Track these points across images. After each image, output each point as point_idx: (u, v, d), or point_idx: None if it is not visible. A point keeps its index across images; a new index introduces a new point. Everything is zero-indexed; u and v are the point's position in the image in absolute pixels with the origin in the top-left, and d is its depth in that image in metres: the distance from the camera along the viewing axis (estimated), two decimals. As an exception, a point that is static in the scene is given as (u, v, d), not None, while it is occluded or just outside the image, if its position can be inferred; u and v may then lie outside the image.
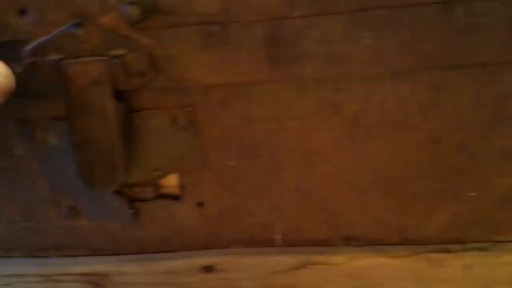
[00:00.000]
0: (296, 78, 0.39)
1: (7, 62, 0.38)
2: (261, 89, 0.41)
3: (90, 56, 0.37)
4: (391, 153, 0.45)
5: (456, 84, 0.40)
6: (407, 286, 0.54)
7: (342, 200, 0.48)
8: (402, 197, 0.48)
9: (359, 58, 0.38)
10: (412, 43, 0.37)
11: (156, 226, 0.51)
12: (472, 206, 0.48)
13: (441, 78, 0.40)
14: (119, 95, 0.39)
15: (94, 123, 0.39)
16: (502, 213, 0.48)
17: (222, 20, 0.36)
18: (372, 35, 0.37)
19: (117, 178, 0.41)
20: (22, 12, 0.37)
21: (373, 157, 0.45)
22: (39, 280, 0.56)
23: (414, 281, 0.53)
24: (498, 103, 0.41)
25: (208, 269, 0.55)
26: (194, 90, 0.41)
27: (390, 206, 0.48)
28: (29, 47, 0.37)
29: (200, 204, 0.49)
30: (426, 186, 0.47)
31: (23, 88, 0.40)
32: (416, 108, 0.41)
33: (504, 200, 0.47)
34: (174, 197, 0.50)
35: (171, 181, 0.49)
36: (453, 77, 0.39)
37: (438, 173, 0.46)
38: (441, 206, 0.48)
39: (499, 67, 0.39)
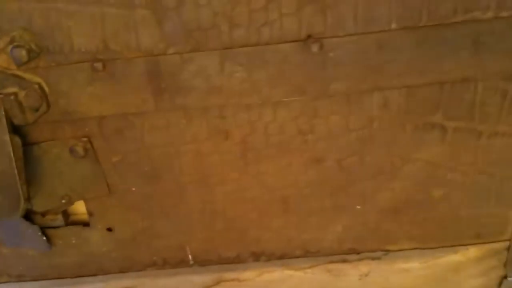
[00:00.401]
0: (181, 107, 0.43)
1: None
2: (152, 117, 0.44)
3: (-16, 95, 0.40)
4: (281, 174, 0.49)
5: (325, 111, 0.44)
6: (313, 297, 0.58)
7: (246, 218, 0.52)
8: (299, 213, 0.51)
9: (236, 90, 0.42)
10: (279, 77, 0.41)
11: (71, 252, 0.54)
12: (361, 219, 0.52)
13: (311, 106, 0.44)
14: (16, 129, 0.42)
15: (-6, 156, 0.41)
16: (388, 224, 0.52)
17: (104, 57, 0.40)
18: (243, 69, 0.41)
19: (19, 207, 0.43)
20: None
21: (267, 178, 0.49)
22: (-36, 309, 0.57)
23: (318, 291, 0.57)
24: (364, 126, 0.45)
25: (125, 291, 0.57)
26: (88, 121, 0.44)
27: (289, 222, 0.52)
28: None
29: (109, 230, 0.52)
30: (317, 202, 0.51)
31: None
32: (296, 132, 0.46)
33: (387, 212, 0.51)
34: (85, 224, 0.52)
35: (80, 208, 0.52)
36: (321, 105, 0.44)
37: (326, 190, 0.50)
38: (334, 220, 0.52)
39: (358, 95, 0.43)
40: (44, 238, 0.51)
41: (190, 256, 0.55)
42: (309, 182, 0.49)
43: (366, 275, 0.55)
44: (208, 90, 0.42)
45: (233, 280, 0.57)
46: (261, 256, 0.55)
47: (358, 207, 0.51)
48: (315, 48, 0.39)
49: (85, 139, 0.44)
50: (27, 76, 0.40)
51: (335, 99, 0.43)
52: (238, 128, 0.45)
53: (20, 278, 0.56)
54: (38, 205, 0.48)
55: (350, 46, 0.40)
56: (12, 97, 0.40)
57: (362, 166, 0.48)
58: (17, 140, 0.42)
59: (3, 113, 0.40)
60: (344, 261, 0.55)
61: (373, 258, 0.54)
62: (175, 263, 0.55)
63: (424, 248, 0.54)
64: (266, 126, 0.45)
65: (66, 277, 0.56)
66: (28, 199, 0.43)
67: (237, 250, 0.54)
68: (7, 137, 0.40)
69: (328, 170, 0.48)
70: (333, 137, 0.46)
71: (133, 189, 0.49)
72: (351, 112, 0.44)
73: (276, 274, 0.56)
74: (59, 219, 0.51)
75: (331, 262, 0.55)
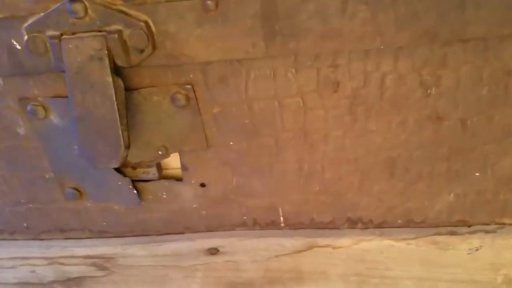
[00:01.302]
0: (293, 53, 0.39)
1: (6, 39, 0.38)
2: (259, 65, 0.40)
3: (87, 32, 0.37)
4: (392, 133, 0.44)
5: (456, 59, 0.39)
6: (413, 270, 0.54)
7: (345, 181, 0.48)
8: (406, 178, 0.47)
9: (356, 32, 0.37)
10: (408, 17, 0.36)
11: (159, 208, 0.52)
12: (477, 187, 0.47)
13: (440, 53, 0.39)
14: (118, 71, 0.39)
15: (94, 98, 0.39)
16: (508, 194, 0.47)
17: (216, -5, 0.36)
18: (368, 9, 0.36)
19: (119, 155, 0.41)
20: (19, -12, 0.37)
21: (374, 137, 0.45)
22: (44, 263, 0.57)
23: (420, 264, 0.53)
24: (499, 80, 0.40)
25: (213, 251, 0.55)
26: (192, 67, 0.40)
27: (394, 187, 0.48)
28: (27, 23, 0.38)
29: (203, 185, 0.49)
30: (429, 167, 0.46)
31: (23, 66, 0.40)
32: (416, 85, 0.41)
33: (508, 181, 0.46)
34: (177, 179, 0.50)
35: (172, 163, 0.49)
36: (452, 53, 0.39)
37: (441, 153, 0.45)
38: (446, 187, 0.47)
39: (497, 42, 0.38)
40: (135, 192, 0.49)
41: (282, 218, 0.52)
42: (422, 143, 0.44)
43: (477, 249, 0.50)
44: (324, 33, 0.38)
45: (326, 246, 0.53)
46: (358, 223, 0.51)
47: (477, 174, 0.45)
48: (454, -16, 0.34)
49: (188, 86, 0.41)
50: (133, 13, 0.37)
51: (468, 46, 0.38)
52: (351, 79, 0.41)
53: (102, 234, 0.55)
54: (133, 156, 0.46)
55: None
56: (116, 36, 0.37)
57: (489, 127, 0.42)
58: (120, 82, 0.39)
59: (106, 52, 0.37)
60: (453, 233, 0.50)
61: (487, 232, 0.49)
62: (265, 224, 0.52)
63: (545, 223, 0.48)
64: (383, 77, 0.41)
65: (151, 234, 0.54)
66: (128, 146, 0.41)
67: (332, 215, 0.51)
68: (109, 79, 0.38)
69: (448, 130, 0.43)
70: (461, 92, 0.41)
71: (231, 143, 0.46)
72: (486, 62, 0.39)
73: (373, 243, 0.52)
74: (152, 172, 0.49)
75: (438, 234, 0.50)
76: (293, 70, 0.41)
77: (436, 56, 0.39)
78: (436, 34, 0.37)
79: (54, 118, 0.44)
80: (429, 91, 0.41)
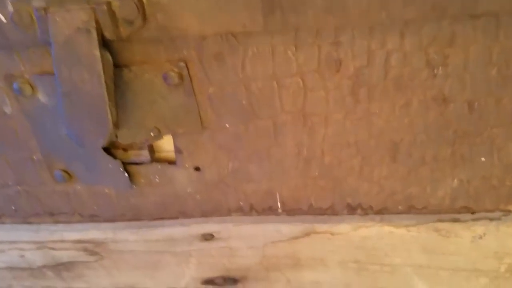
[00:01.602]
0: (293, 29, 0.37)
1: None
2: (257, 42, 0.38)
3: (74, 3, 0.35)
4: (395, 115, 0.42)
5: (464, 38, 0.37)
6: (413, 257, 0.52)
7: (345, 165, 0.46)
8: (408, 162, 0.45)
9: (360, 6, 0.35)
10: None
11: (152, 192, 0.50)
12: (483, 173, 0.45)
13: (448, 31, 0.37)
14: (107, 45, 0.37)
15: (81, 73, 0.37)
16: (515, 180, 0.45)
17: (213, -37, 0.34)
18: (374, -20, 0.34)
19: (107, 133, 0.39)
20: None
21: (376, 120, 0.43)
22: (33, 248, 0.55)
23: (421, 252, 0.51)
24: (510, 60, 0.38)
25: (207, 237, 0.53)
26: (186, 42, 0.38)
27: (395, 173, 0.46)
28: (11, -6, 0.35)
29: (197, 169, 0.47)
30: (433, 151, 0.44)
31: (8, 40, 0.38)
32: (423, 64, 0.39)
33: (517, 166, 0.44)
34: (171, 162, 0.48)
35: (165, 146, 0.47)
36: (461, 30, 0.37)
37: (446, 137, 0.43)
38: (450, 173, 0.45)
39: (509, 19, 0.36)
40: (126, 175, 0.47)
41: (279, 204, 0.50)
42: (427, 126, 0.43)
43: (480, 237, 0.48)
44: (327, 7, 0.35)
45: (325, 232, 0.52)
46: (357, 209, 0.50)
47: (483, 159, 0.44)
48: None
49: (182, 64, 0.39)
50: (123, -18, 0.35)
51: (480, 22, 0.36)
52: (354, 57, 0.39)
53: (92, 219, 0.53)
54: (124, 137, 0.44)
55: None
56: (104, 7, 0.35)
57: (497, 110, 0.41)
58: (108, 56, 0.37)
59: (94, 24, 0.35)
60: (456, 220, 0.48)
61: (491, 219, 0.48)
62: (262, 210, 0.51)
63: (551, 210, 0.46)
64: (387, 56, 0.39)
65: (143, 219, 0.53)
66: (116, 124, 0.38)
67: (331, 200, 0.49)
68: (97, 52, 0.36)
69: (454, 113, 0.41)
70: (469, 72, 0.39)
71: (227, 125, 0.44)
72: (497, 40, 0.37)
73: (373, 229, 0.51)
74: (144, 155, 0.47)
75: (440, 221, 0.49)
76: (293, 48, 0.39)
77: (444, 34, 0.37)
78: (445, 9, 0.35)
79: (41, 96, 0.42)
80: (435, 71, 0.39)
